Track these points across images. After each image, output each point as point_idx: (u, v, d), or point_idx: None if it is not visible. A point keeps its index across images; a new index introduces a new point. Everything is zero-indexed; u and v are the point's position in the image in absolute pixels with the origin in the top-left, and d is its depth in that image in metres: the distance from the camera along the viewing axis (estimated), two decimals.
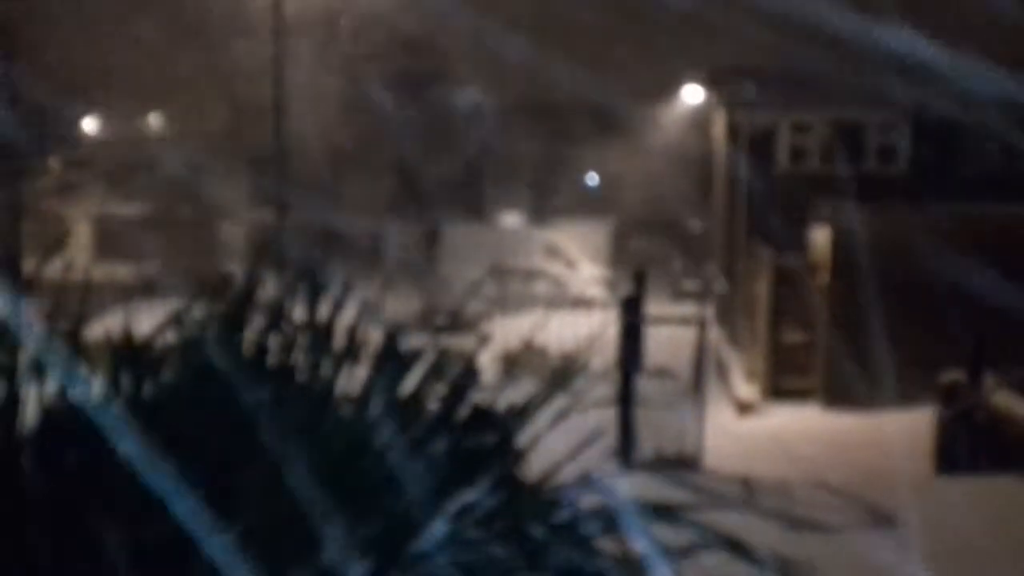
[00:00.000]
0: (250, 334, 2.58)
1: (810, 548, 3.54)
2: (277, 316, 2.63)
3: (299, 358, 2.55)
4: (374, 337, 2.90)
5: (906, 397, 9.80)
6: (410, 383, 2.32)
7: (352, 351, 2.48)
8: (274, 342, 2.55)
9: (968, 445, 6.37)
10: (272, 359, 2.50)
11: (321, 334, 2.58)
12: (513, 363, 6.93)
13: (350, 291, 2.67)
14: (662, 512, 2.41)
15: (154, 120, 28.83)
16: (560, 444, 2.51)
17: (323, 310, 2.65)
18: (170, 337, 2.44)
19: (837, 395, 10.91)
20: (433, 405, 2.35)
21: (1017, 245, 9.88)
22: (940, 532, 4.01)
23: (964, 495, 4.89)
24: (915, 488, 5.56)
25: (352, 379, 2.42)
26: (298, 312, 2.68)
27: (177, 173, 24.32)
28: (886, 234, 10.65)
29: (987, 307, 9.40)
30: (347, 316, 2.75)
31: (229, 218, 24.71)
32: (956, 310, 9.56)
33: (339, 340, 2.56)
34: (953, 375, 6.74)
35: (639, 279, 6.30)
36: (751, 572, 2.71)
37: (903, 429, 8.98)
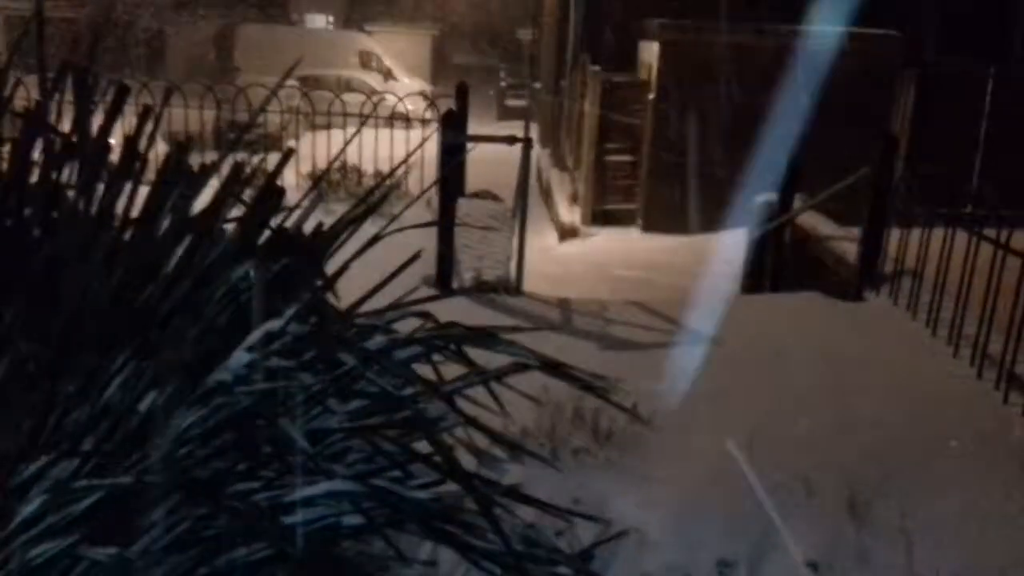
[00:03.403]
0: (6, 145, 2.33)
1: (623, 365, 3.83)
2: (39, 125, 2.39)
3: (68, 174, 2.35)
4: (158, 151, 2.71)
5: (726, 220, 10.53)
6: (202, 203, 2.21)
7: (132, 167, 2.31)
8: (36, 155, 2.33)
9: (775, 263, 6.99)
10: (34, 176, 2.29)
11: (94, 147, 2.37)
12: (322, 183, 6.75)
13: (128, 97, 2.46)
14: (480, 335, 2.51)
15: None
16: (375, 269, 2.51)
17: (96, 118, 2.43)
18: None
19: (658, 218, 11.52)
20: (230, 227, 2.26)
21: (846, 69, 10.48)
22: (745, 344, 4.46)
23: (769, 310, 5.41)
24: (724, 305, 6.09)
25: (133, 198, 2.27)
26: (66, 120, 2.45)
27: None
28: (714, 54, 10.98)
29: (810, 129, 10.09)
30: (125, 126, 2.54)
31: None
32: (781, 133, 10.20)
33: (116, 154, 2.37)
34: (766, 197, 7.25)
35: (462, 94, 6.18)
36: (567, 390, 2.92)
37: (719, 251, 9.70)
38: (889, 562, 2.62)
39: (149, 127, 2.40)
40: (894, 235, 5.20)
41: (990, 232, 4.11)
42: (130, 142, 2.33)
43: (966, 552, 2.68)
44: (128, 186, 2.29)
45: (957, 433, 3.42)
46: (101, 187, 2.27)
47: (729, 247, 9.04)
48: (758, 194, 7.48)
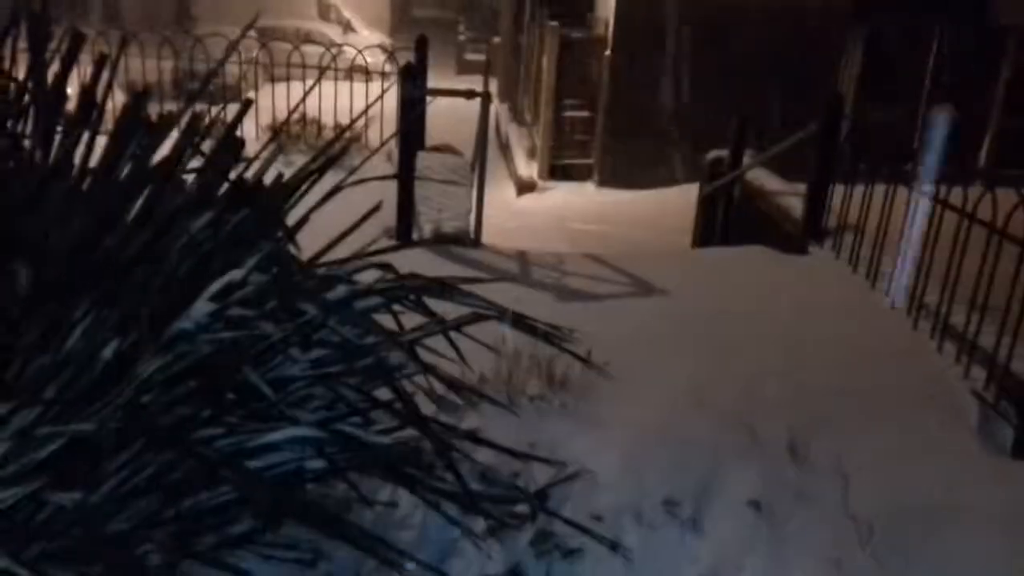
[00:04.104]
0: None
1: (578, 315, 3.87)
2: None
3: (23, 124, 2.28)
4: (116, 101, 2.63)
5: (679, 175, 10.59)
6: (161, 154, 2.16)
7: (89, 116, 2.25)
8: None
9: (724, 218, 7.06)
10: None
11: (50, 96, 2.31)
12: (282, 134, 6.63)
13: (84, 45, 2.38)
14: (440, 286, 2.51)
15: None
16: (335, 221, 2.49)
17: (51, 67, 2.36)
18: None
19: (613, 173, 11.54)
20: (191, 178, 2.22)
21: (798, 24, 10.49)
22: (694, 295, 4.53)
23: (717, 263, 5.48)
24: (675, 259, 6.15)
25: (91, 149, 2.21)
26: (19, 68, 2.37)
27: None
28: (669, 10, 10.93)
29: (767, 85, 10.15)
30: (81, 75, 2.47)
31: None
32: (735, 89, 10.23)
33: (72, 103, 2.30)
34: (717, 153, 7.29)
35: (421, 47, 6.09)
36: (524, 339, 2.94)
37: (672, 205, 9.77)
38: (826, 500, 2.71)
39: (106, 76, 2.34)
40: (838, 191, 5.27)
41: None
42: (87, 91, 2.26)
43: (899, 491, 2.78)
44: (86, 136, 2.23)
45: (893, 380, 3.53)
46: (58, 137, 2.22)
47: (681, 202, 9.10)
48: (710, 150, 7.52)
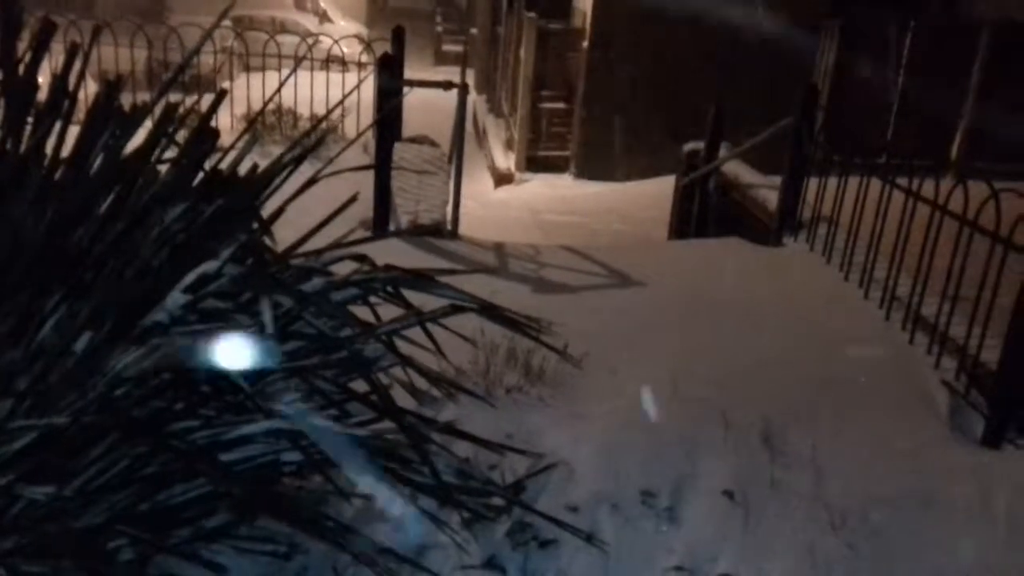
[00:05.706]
0: None
1: (555, 307, 3.87)
2: None
3: None
4: (89, 91, 2.60)
5: (656, 167, 10.62)
6: (135, 144, 2.13)
7: (61, 106, 2.21)
8: None
9: (700, 210, 7.09)
10: None
11: (20, 85, 2.27)
12: (257, 125, 6.58)
13: (55, 34, 2.35)
14: (417, 278, 2.50)
15: None
16: (311, 212, 2.47)
17: (22, 56, 2.32)
18: None
19: (590, 165, 11.55)
20: (164, 168, 2.19)
21: (773, 18, 10.53)
22: (670, 287, 4.55)
23: (693, 254, 5.51)
24: (652, 250, 6.18)
25: (63, 139, 2.18)
26: None
27: None
28: (646, 3, 10.93)
29: (743, 79, 10.17)
30: (53, 64, 2.43)
31: None
32: (710, 82, 10.26)
33: (44, 93, 2.27)
34: (694, 145, 7.31)
35: (398, 38, 6.06)
36: (501, 331, 2.94)
37: (649, 197, 9.80)
38: (799, 490, 2.74)
39: (78, 65, 2.30)
40: (813, 183, 5.31)
41: (902, 181, 4.23)
42: (59, 81, 2.23)
43: (871, 480, 2.81)
44: (57, 126, 2.19)
45: (865, 371, 3.56)
46: (29, 126, 2.18)
47: (658, 193, 9.13)
48: (686, 142, 7.54)
